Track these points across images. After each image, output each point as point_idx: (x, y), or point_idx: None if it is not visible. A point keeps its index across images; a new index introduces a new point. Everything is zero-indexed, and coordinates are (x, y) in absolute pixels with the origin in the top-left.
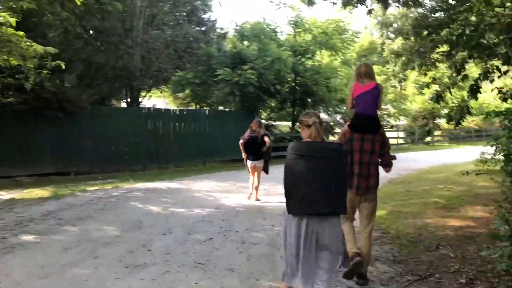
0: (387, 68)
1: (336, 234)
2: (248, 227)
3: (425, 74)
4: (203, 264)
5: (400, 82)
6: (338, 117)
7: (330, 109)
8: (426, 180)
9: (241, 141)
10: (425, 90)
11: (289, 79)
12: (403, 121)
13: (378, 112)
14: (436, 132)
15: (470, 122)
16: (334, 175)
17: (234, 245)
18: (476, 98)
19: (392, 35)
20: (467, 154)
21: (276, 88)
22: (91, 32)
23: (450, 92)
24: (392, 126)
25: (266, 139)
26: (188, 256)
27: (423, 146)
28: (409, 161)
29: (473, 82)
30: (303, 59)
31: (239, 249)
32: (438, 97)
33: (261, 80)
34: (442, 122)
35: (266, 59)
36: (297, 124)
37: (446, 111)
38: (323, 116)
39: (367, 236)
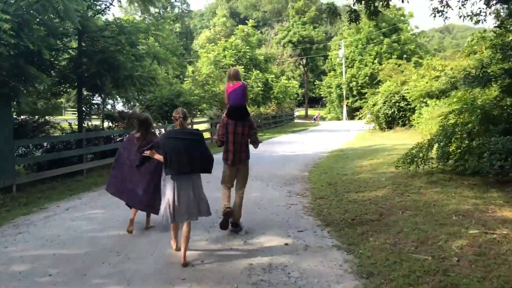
0: None
1: (197, 185)
2: None
3: None
4: None
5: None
6: (138, 108)
7: (131, 94)
8: (397, 218)
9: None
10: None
11: (70, 45)
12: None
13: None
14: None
15: (268, 108)
16: (193, 148)
17: None
18: None
19: None
20: (307, 145)
21: (52, 55)
22: None
23: None
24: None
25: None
26: None
27: None
28: (262, 163)
29: None
30: (90, 12)
31: None
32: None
33: (24, 36)
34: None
35: None
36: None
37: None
38: (121, 107)
39: (240, 195)
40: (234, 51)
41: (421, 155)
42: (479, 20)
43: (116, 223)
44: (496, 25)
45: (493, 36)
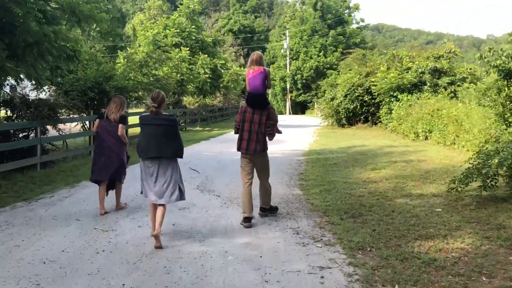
0: None
1: (167, 168)
2: None
3: None
4: None
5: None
6: (46, 93)
7: (40, 72)
8: None
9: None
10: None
11: None
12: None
13: (268, 90)
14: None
15: (214, 99)
16: (165, 133)
17: None
18: None
19: None
20: (269, 144)
21: None
22: None
23: None
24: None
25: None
26: None
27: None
28: (225, 172)
29: None
30: None
31: None
32: None
33: None
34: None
35: None
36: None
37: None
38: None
39: (262, 185)
40: (178, 30)
41: (491, 171)
42: None
43: None
44: None
45: None
